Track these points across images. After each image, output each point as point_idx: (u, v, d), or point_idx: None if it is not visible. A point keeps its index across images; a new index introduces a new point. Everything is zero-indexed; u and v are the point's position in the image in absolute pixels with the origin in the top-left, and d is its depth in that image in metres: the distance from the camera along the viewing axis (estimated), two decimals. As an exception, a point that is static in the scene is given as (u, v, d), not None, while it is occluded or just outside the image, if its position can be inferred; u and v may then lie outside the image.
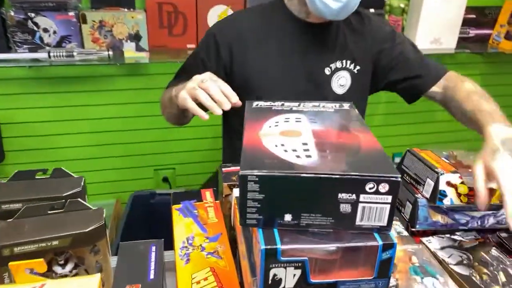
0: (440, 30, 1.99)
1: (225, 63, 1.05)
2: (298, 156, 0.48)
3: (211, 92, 0.81)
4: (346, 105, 0.66)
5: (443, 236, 0.82)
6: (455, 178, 0.82)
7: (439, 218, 0.85)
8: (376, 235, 0.46)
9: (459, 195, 0.82)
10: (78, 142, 1.85)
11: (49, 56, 1.61)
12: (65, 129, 1.82)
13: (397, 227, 0.83)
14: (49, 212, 0.68)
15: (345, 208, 0.45)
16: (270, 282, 0.45)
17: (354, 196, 0.45)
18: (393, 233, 0.47)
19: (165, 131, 1.89)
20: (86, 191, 0.78)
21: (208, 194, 0.77)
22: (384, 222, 0.46)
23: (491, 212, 0.86)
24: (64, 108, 1.79)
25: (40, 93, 1.74)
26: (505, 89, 2.35)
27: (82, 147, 1.87)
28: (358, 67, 1.09)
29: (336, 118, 0.61)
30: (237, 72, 1.06)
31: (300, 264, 0.45)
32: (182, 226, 0.68)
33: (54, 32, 1.65)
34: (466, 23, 2.10)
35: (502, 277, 0.71)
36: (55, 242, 0.63)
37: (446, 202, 0.82)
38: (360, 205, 0.45)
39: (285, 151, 0.50)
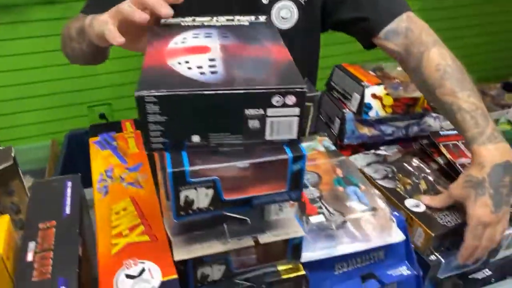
0: None
1: None
2: (202, 73, 0.44)
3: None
4: (262, 18, 0.62)
5: (368, 152, 0.84)
6: (380, 90, 0.83)
7: (366, 131, 0.87)
8: (286, 148, 0.45)
9: (384, 106, 0.83)
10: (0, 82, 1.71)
11: None
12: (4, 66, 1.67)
13: (325, 142, 0.84)
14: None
15: (253, 124, 0.44)
16: (182, 204, 0.44)
17: (261, 111, 0.43)
18: (303, 145, 0.46)
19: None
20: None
21: (128, 125, 0.74)
22: (293, 135, 0.45)
23: (414, 120, 0.89)
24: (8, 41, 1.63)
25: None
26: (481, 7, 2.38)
27: (5, 87, 1.73)
28: None
29: (251, 31, 0.57)
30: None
31: (211, 184, 0.43)
32: (100, 159, 0.65)
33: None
34: None
35: (423, 185, 0.75)
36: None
37: (372, 114, 0.83)
38: (268, 120, 0.44)
39: (189, 68, 0.45)
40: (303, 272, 0.55)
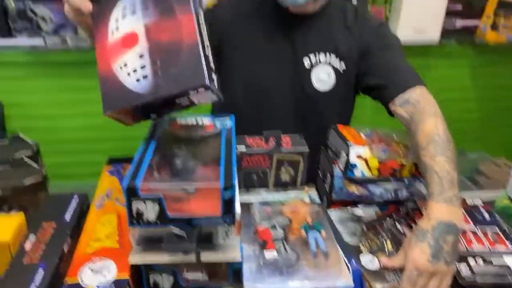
0: (423, 20, 2.03)
1: (217, 32, 1.09)
2: (137, 80, 0.62)
3: None
4: None
5: (345, 208, 0.90)
6: (364, 152, 0.90)
7: (354, 189, 0.93)
8: (221, 178, 0.56)
9: (369, 168, 0.90)
10: (75, 123, 2.00)
11: (45, 43, 1.76)
12: (61, 110, 1.97)
13: (311, 193, 0.92)
14: (-1, 169, 0.81)
15: (184, 102, 0.65)
16: (134, 214, 0.56)
17: (186, 98, 0.63)
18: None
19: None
20: (40, 155, 0.91)
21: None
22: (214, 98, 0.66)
23: (403, 185, 0.94)
24: (62, 92, 1.94)
25: (39, 76, 1.90)
26: (493, 80, 2.37)
27: (78, 129, 2.01)
28: (344, 66, 1.07)
29: None
30: (225, 49, 1.11)
31: (157, 200, 0.55)
32: (106, 182, 0.80)
33: (51, 20, 1.80)
34: (452, 13, 2.13)
35: (389, 245, 0.79)
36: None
37: (357, 173, 0.90)
38: (193, 98, 0.64)
39: (128, 74, 0.63)
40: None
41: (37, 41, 1.78)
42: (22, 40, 1.77)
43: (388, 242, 0.80)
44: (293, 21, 1.08)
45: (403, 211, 0.92)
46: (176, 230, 0.58)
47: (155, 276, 0.61)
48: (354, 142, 0.92)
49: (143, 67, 0.63)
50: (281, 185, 0.95)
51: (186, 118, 0.79)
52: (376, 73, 1.04)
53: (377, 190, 0.94)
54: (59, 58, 1.88)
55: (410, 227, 0.86)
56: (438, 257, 0.67)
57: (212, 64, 0.66)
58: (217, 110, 1.24)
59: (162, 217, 0.56)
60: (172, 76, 0.61)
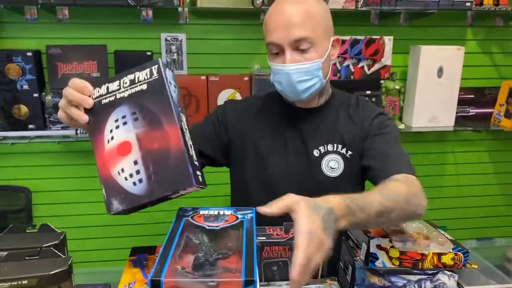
0: (436, 109, 2.10)
1: (227, 128, 1.21)
2: (134, 183, 0.73)
3: (67, 97, 0.83)
4: (154, 71, 0.79)
5: None
6: (385, 242, 0.90)
7: (376, 281, 0.92)
8: (242, 272, 0.58)
9: (390, 258, 0.90)
10: (100, 210, 2.05)
11: (76, 133, 1.87)
12: (87, 197, 2.03)
13: (333, 286, 0.91)
14: (26, 258, 0.84)
15: (174, 197, 0.76)
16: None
17: (177, 194, 0.75)
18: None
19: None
20: (66, 244, 0.93)
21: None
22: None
23: (427, 276, 0.92)
24: (88, 179, 2.02)
25: (67, 165, 1.99)
26: (507, 166, 2.37)
27: (102, 214, 2.06)
28: (350, 152, 1.14)
29: (150, 105, 0.77)
30: (234, 143, 1.21)
31: (179, 296, 0.57)
32: (129, 274, 0.81)
33: (83, 113, 1.93)
34: (465, 102, 2.21)
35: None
36: (24, 282, 0.78)
37: (378, 264, 0.90)
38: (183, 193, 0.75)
39: (126, 178, 0.74)
40: None
41: (68, 132, 1.90)
42: (55, 132, 1.89)
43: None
44: (300, 115, 1.17)
45: (428, 305, 0.89)
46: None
47: None
48: (374, 233, 0.92)
49: (138, 172, 0.73)
50: (301, 277, 0.94)
51: (209, 209, 0.82)
52: (369, 156, 1.10)
53: (399, 281, 0.92)
54: (87, 147, 1.99)
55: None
56: (326, 230, 0.72)
57: (196, 162, 0.77)
58: (234, 201, 1.29)
59: (185, 311, 0.57)
60: (164, 179, 0.72)
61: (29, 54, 1.87)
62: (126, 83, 0.80)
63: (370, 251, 0.90)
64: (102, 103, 0.80)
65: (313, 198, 0.76)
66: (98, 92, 0.81)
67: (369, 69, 2.09)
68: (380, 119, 1.16)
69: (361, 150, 1.13)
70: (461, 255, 0.90)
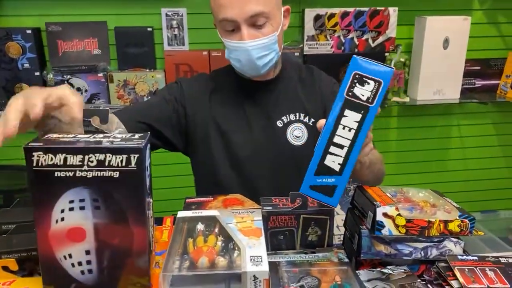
0: (441, 81, 2.08)
1: (185, 107, 1.18)
2: (82, 272, 0.66)
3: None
4: (133, 161, 0.63)
5: (373, 269, 0.89)
6: (391, 210, 0.90)
7: (382, 248, 0.92)
8: None
9: (396, 226, 0.90)
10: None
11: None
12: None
13: (340, 254, 0.91)
14: (34, 230, 0.84)
15: None
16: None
17: None
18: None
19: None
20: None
21: (168, 220, 0.91)
22: None
23: (433, 243, 0.92)
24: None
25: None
26: (514, 138, 2.36)
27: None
28: (312, 120, 1.16)
29: (119, 198, 0.64)
30: (191, 123, 1.18)
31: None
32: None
33: (86, 90, 1.92)
34: (471, 74, 2.18)
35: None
36: (34, 253, 0.78)
37: (385, 232, 0.90)
38: None
39: (72, 265, 0.66)
40: None
41: (72, 110, 1.89)
42: (59, 110, 1.89)
43: (421, 303, 0.78)
44: (258, 88, 1.17)
45: (434, 271, 0.90)
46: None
47: None
48: (380, 201, 0.92)
49: (89, 262, 0.66)
50: (308, 246, 0.94)
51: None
52: None
53: (406, 249, 0.92)
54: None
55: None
56: None
57: None
58: (199, 181, 1.29)
59: None
60: (117, 278, 0.67)
61: (29, 31, 1.85)
62: (92, 162, 0.62)
63: (376, 220, 0.89)
64: (56, 175, 0.63)
65: None
66: (51, 160, 0.62)
67: (373, 42, 2.06)
68: (336, 88, 1.18)
69: (322, 117, 1.13)
70: (468, 222, 0.90)
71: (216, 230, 0.75)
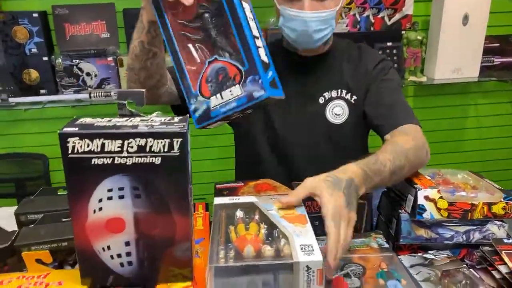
0: (460, 60, 2.02)
1: None
2: (121, 264, 0.63)
3: None
4: (176, 146, 0.59)
5: (415, 254, 0.86)
6: (433, 193, 0.86)
7: (422, 233, 0.88)
8: None
9: (438, 209, 0.86)
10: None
11: (90, 97, 1.81)
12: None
13: (379, 239, 0.87)
14: (63, 220, 0.80)
15: None
16: None
17: None
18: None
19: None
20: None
21: (200, 207, 0.87)
22: None
23: (475, 227, 0.88)
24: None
25: (83, 129, 1.95)
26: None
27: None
28: (354, 97, 1.12)
29: (160, 185, 0.60)
30: None
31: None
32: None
33: (95, 75, 1.87)
34: (490, 51, 2.12)
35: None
36: (64, 244, 0.75)
37: (426, 216, 0.86)
38: None
39: (112, 257, 0.62)
40: None
41: (82, 96, 1.84)
42: (68, 96, 1.84)
43: (470, 289, 0.74)
44: (305, 63, 1.14)
45: (477, 255, 0.86)
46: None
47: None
48: (420, 184, 0.88)
49: (128, 254, 0.63)
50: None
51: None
52: (375, 104, 1.09)
53: (447, 233, 0.89)
54: (102, 110, 1.93)
55: (488, 273, 0.80)
56: (350, 204, 0.72)
57: None
58: (241, 161, 1.28)
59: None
60: (158, 270, 0.64)
61: (35, 15, 1.79)
62: (132, 147, 0.59)
63: (418, 203, 0.86)
64: (93, 162, 0.59)
65: (331, 173, 0.76)
66: (88, 146, 0.59)
67: (389, 19, 2.00)
68: (384, 64, 1.13)
69: (365, 95, 1.11)
70: (513, 204, 0.86)
71: (257, 217, 0.71)
